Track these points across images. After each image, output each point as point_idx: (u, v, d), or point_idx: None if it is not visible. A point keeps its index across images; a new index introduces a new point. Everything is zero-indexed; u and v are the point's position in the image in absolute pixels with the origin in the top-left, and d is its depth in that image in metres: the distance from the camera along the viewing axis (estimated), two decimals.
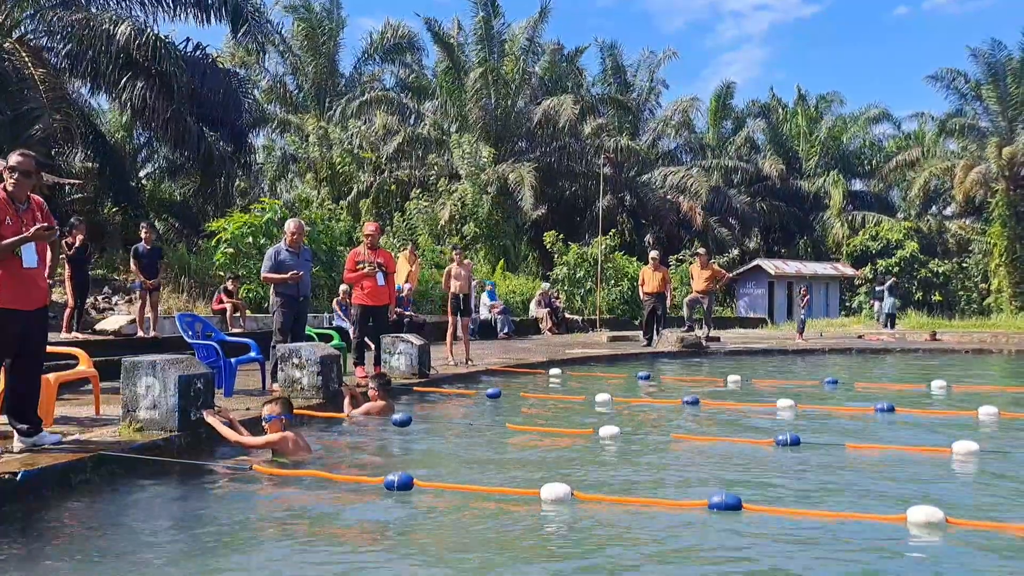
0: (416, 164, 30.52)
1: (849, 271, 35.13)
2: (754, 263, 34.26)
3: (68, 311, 11.56)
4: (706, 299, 17.46)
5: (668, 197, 33.68)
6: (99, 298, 14.65)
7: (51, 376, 6.08)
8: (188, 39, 23.90)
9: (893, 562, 3.90)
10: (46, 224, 5.19)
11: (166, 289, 14.14)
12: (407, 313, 15.15)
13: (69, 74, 19.29)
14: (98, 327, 12.27)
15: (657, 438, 7.12)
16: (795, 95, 41.20)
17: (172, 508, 4.89)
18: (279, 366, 8.39)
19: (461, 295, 11.72)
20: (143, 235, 12.20)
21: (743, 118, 41.63)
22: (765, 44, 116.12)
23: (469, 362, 11.99)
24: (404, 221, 26.79)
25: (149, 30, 18.39)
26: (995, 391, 10.52)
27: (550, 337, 20.05)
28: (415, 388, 9.69)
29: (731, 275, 28.73)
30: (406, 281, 15.63)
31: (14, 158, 5.20)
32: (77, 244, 11.53)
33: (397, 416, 7.30)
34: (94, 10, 19.18)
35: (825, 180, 37.90)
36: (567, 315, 22.84)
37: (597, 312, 23.56)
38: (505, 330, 19.40)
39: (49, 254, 5.71)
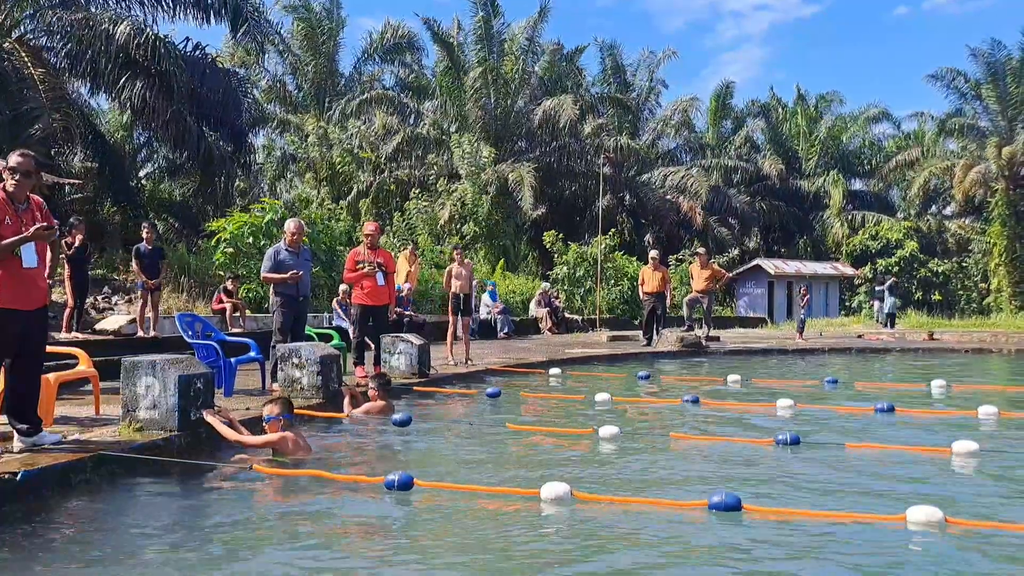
0: (416, 164, 30.48)
1: (849, 271, 35.13)
2: (754, 263, 34.25)
3: (68, 311, 11.57)
4: (706, 299, 17.46)
5: (668, 197, 33.67)
6: (99, 298, 14.65)
7: (51, 376, 6.08)
8: (188, 39, 24.04)
9: (893, 562, 3.89)
10: (46, 224, 5.18)
11: (166, 289, 14.14)
12: (407, 313, 15.15)
13: (69, 74, 19.26)
14: (98, 327, 12.28)
15: (657, 438, 7.12)
16: (795, 95, 41.20)
17: (172, 508, 4.89)
18: (279, 366, 8.39)
19: (462, 295, 11.73)
20: (144, 235, 12.20)
21: (743, 118, 41.60)
22: (765, 44, 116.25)
23: (469, 362, 12.00)
24: (404, 221, 26.77)
25: (149, 30, 18.37)
26: (995, 391, 10.52)
27: (550, 337, 20.05)
28: (415, 388, 9.69)
29: (731, 275, 28.72)
30: (406, 281, 15.64)
31: (14, 158, 5.19)
32: (77, 244, 11.55)
33: (397, 416, 7.30)
34: (94, 10, 19.16)
35: (825, 180, 37.88)
36: (567, 315, 22.83)
37: (597, 312, 23.55)
38: (505, 330, 19.39)
39: (49, 254, 5.70)
